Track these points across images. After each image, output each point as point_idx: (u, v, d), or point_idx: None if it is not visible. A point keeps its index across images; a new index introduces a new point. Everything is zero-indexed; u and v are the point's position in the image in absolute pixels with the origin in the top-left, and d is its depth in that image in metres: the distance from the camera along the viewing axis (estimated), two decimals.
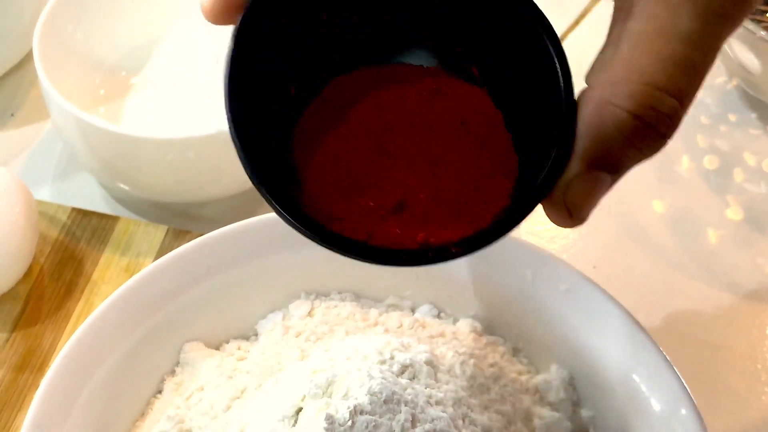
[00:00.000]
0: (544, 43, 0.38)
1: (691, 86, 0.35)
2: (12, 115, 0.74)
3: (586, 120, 0.35)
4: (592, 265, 0.67)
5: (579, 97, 0.36)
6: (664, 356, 0.49)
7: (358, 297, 0.56)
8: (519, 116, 0.38)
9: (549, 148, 0.36)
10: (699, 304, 0.65)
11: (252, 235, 0.55)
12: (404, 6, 0.39)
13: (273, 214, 0.55)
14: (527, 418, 0.51)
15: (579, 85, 0.37)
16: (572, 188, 0.35)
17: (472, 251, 0.37)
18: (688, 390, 0.48)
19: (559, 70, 0.37)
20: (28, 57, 0.74)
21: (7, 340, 0.60)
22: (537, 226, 0.68)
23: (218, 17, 0.36)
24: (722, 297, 0.66)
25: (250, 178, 0.36)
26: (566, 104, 0.36)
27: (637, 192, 0.71)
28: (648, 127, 0.34)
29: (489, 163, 0.38)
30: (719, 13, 0.34)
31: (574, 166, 0.35)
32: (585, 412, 0.53)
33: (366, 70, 0.39)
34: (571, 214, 0.36)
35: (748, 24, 0.65)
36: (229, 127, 0.36)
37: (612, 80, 0.34)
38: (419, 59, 0.39)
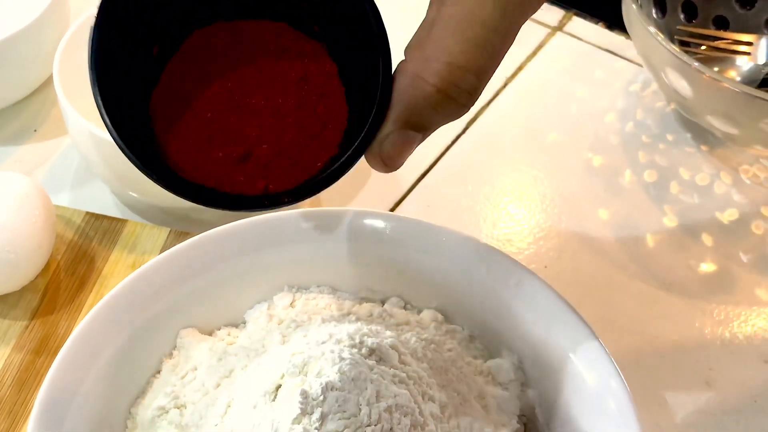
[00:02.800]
0: (369, 19, 0.39)
1: (490, 65, 0.37)
2: (35, 130, 0.75)
3: (401, 89, 0.37)
4: (543, 265, 0.67)
5: (398, 67, 0.38)
6: (598, 340, 0.50)
7: (334, 290, 0.57)
8: (351, 74, 0.39)
9: (370, 109, 0.38)
10: (637, 300, 0.66)
11: (242, 235, 0.55)
12: None
13: (261, 216, 0.56)
14: (480, 396, 0.52)
15: None
16: (387, 144, 0.39)
17: (302, 199, 0.40)
18: (618, 368, 0.49)
19: (379, 45, 0.39)
20: (49, 80, 0.74)
21: (26, 327, 0.61)
22: (495, 231, 0.69)
23: None
24: (658, 294, 0.67)
25: (109, 131, 0.37)
26: (384, 74, 0.38)
27: (586, 201, 0.72)
28: (450, 99, 0.37)
29: (323, 116, 0.39)
30: (518, 3, 0.36)
31: (389, 126, 0.38)
32: (531, 392, 0.53)
33: (222, 25, 0.38)
34: (386, 164, 0.39)
35: (682, 56, 0.66)
36: (93, 88, 0.36)
37: (424, 57, 0.37)
38: (270, 14, 0.39)
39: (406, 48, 0.38)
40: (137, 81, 0.38)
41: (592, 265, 0.68)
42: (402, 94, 0.38)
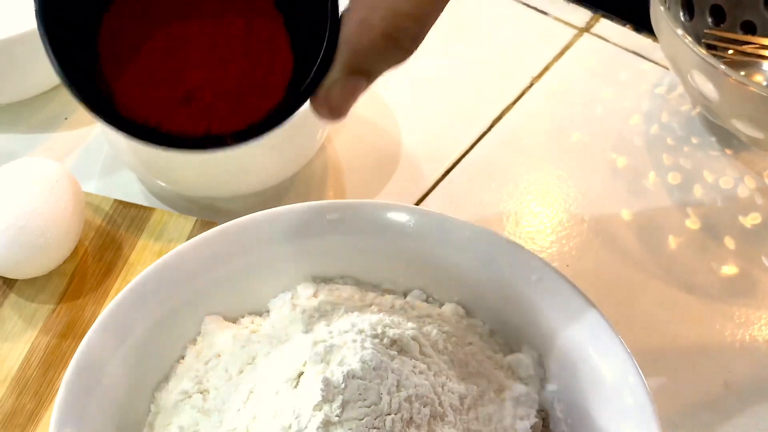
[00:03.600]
0: None
1: (433, 11, 0.38)
2: (66, 118, 0.76)
3: (347, 36, 0.38)
4: (565, 263, 0.68)
5: (343, 14, 0.39)
6: (618, 336, 0.51)
7: (357, 282, 0.58)
8: (296, 21, 0.39)
9: (316, 55, 0.38)
10: (658, 301, 0.67)
11: (268, 225, 0.56)
12: None
13: (287, 207, 0.57)
14: (500, 390, 0.53)
15: None
16: (333, 90, 0.39)
17: (244, 141, 0.40)
18: (636, 365, 0.50)
19: None
20: None
21: (53, 311, 0.62)
22: (518, 228, 0.70)
23: None
24: (679, 295, 0.67)
25: (56, 71, 0.37)
26: (331, 21, 0.39)
27: (609, 202, 0.72)
28: (395, 44, 0.38)
29: (268, 62, 0.39)
30: None
31: (336, 72, 0.39)
32: (550, 387, 0.54)
33: None
34: (332, 110, 0.40)
35: (709, 58, 0.66)
36: (39, 29, 0.37)
37: (369, 5, 0.38)
38: None
39: None
40: (85, 20, 0.38)
41: (613, 265, 0.68)
42: (348, 41, 0.38)
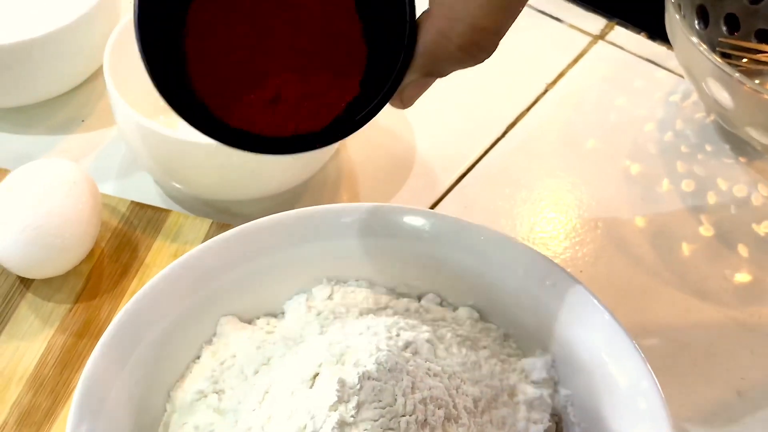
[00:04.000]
0: None
1: (508, 24, 0.39)
2: (83, 121, 0.76)
3: (426, 43, 0.40)
4: (579, 269, 0.68)
5: (422, 17, 0.40)
6: (632, 341, 0.51)
7: (372, 284, 0.58)
8: (369, 12, 0.40)
9: (394, 56, 0.40)
10: (671, 308, 0.67)
11: (284, 228, 0.57)
12: None
13: (303, 210, 0.57)
14: (512, 393, 0.53)
15: None
16: (408, 88, 0.41)
17: (333, 143, 0.42)
18: (650, 369, 0.50)
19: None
20: (97, 72, 0.76)
21: (70, 310, 0.62)
22: (531, 234, 0.70)
23: None
24: (692, 302, 0.67)
25: (146, 69, 0.37)
26: (410, 24, 0.40)
27: (623, 209, 0.72)
28: (470, 56, 0.40)
29: (344, 56, 0.40)
30: None
31: (412, 74, 0.41)
32: (563, 391, 0.54)
33: None
34: (404, 103, 0.42)
35: (724, 66, 0.66)
36: (137, 38, 0.37)
37: (450, 17, 0.39)
38: None
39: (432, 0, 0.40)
40: (173, 24, 0.38)
41: (627, 272, 0.69)
42: (426, 48, 0.40)
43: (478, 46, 0.39)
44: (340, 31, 0.39)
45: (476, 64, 0.41)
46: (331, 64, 0.40)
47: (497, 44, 0.40)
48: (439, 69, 0.41)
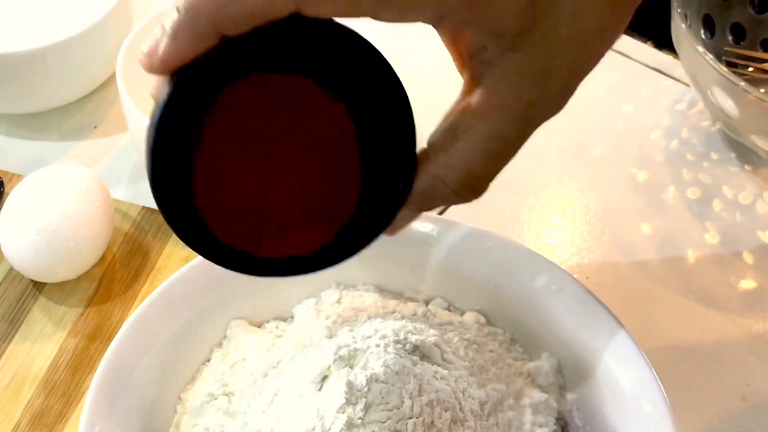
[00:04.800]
0: (397, 101, 0.39)
1: (501, 170, 0.41)
2: (95, 127, 0.77)
3: (423, 185, 0.40)
4: (585, 276, 0.69)
5: (420, 161, 0.41)
6: (637, 346, 0.52)
7: (380, 289, 0.59)
8: (371, 148, 0.40)
9: (390, 194, 0.41)
10: (676, 314, 0.67)
11: None
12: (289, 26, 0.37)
13: None
14: (519, 397, 0.53)
15: None
16: (399, 221, 0.42)
17: (321, 270, 0.42)
18: (655, 373, 0.50)
19: (406, 134, 0.40)
20: (111, 79, 0.77)
21: (82, 314, 0.63)
22: (538, 240, 0.71)
23: (157, 70, 0.35)
24: (697, 308, 0.67)
25: (152, 191, 0.38)
26: (408, 165, 0.40)
27: (629, 216, 0.73)
28: (463, 199, 0.41)
29: (340, 179, 0.40)
30: (536, 123, 0.39)
31: (406, 210, 0.41)
32: (570, 395, 0.55)
33: (251, 79, 0.37)
34: (392, 233, 0.43)
35: (730, 75, 0.67)
36: (148, 167, 0.37)
37: (448, 164, 0.40)
38: (298, 67, 0.38)
39: (430, 144, 0.41)
40: (186, 141, 0.38)
41: (633, 278, 0.69)
42: (423, 190, 0.41)
43: (472, 191, 0.41)
44: (338, 158, 0.40)
45: (465, 203, 0.42)
46: (327, 189, 0.40)
47: (488, 188, 0.42)
48: (431, 206, 0.42)
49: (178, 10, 0.34)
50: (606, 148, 0.77)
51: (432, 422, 0.48)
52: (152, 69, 0.35)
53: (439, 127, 0.41)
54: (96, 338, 0.62)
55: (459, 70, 0.40)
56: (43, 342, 0.62)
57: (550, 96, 0.39)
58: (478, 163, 0.40)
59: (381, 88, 0.39)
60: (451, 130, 0.40)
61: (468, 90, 0.39)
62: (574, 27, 0.37)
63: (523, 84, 0.38)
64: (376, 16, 0.36)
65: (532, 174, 0.75)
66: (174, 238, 0.67)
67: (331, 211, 0.41)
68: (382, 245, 0.57)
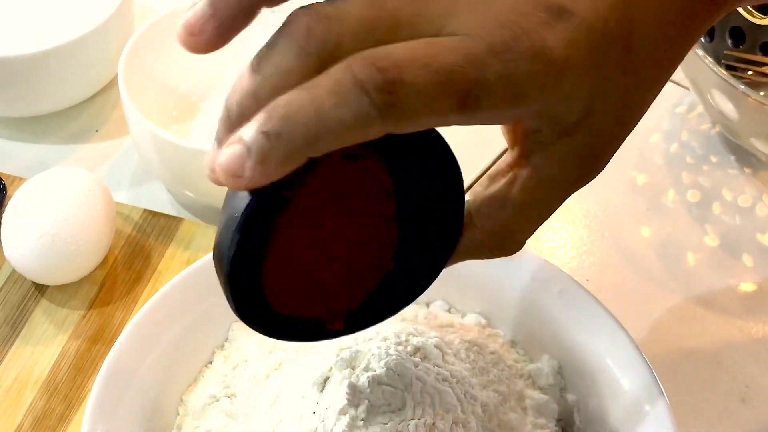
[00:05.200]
0: (449, 177, 0.40)
1: (535, 231, 0.42)
2: (97, 130, 0.77)
3: (466, 247, 0.42)
4: (585, 278, 0.69)
5: (466, 225, 0.42)
6: (637, 348, 0.52)
7: None
8: (413, 204, 0.40)
9: (437, 257, 0.42)
10: (676, 317, 0.67)
11: None
12: None
13: None
14: (520, 398, 0.54)
15: None
16: None
17: (357, 330, 0.43)
18: (656, 375, 0.51)
19: (456, 205, 0.41)
20: (112, 82, 0.77)
21: (84, 317, 0.63)
22: (538, 244, 0.71)
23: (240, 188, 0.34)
24: (697, 311, 0.68)
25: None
26: (455, 234, 0.42)
27: (629, 219, 0.73)
28: (496, 257, 0.43)
29: (381, 240, 0.41)
30: (575, 190, 0.41)
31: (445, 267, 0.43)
32: (570, 397, 0.55)
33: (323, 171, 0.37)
34: None
35: (729, 78, 0.67)
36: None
37: (493, 232, 0.41)
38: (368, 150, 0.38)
39: (475, 210, 0.42)
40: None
41: (633, 281, 0.69)
42: (466, 250, 0.42)
43: (509, 251, 0.43)
44: (380, 218, 0.40)
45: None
46: (368, 248, 0.41)
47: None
48: (463, 260, 0.44)
49: (267, 135, 0.32)
50: None
51: (434, 424, 0.48)
52: (235, 187, 0.34)
53: (483, 193, 0.42)
54: (98, 341, 0.62)
55: (509, 144, 0.41)
56: (45, 345, 0.62)
57: (595, 171, 0.40)
58: (521, 229, 0.42)
59: (427, 151, 0.39)
60: (497, 199, 0.41)
61: (516, 164, 0.40)
62: (622, 109, 0.40)
63: (573, 164, 0.39)
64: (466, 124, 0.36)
65: None
66: (176, 240, 0.67)
67: (371, 270, 0.42)
68: None
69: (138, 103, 0.66)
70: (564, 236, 0.72)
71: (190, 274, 0.55)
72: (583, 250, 0.71)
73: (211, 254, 0.56)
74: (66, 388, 0.60)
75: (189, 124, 0.74)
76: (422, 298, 0.58)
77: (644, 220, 0.73)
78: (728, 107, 0.69)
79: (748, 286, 0.69)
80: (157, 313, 0.54)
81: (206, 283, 0.55)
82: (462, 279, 0.58)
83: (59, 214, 0.61)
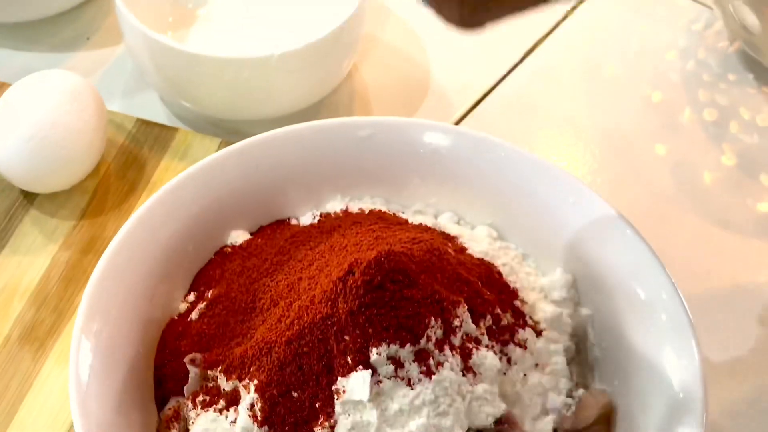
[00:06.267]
0: None
1: None
2: (88, 38, 0.74)
3: None
4: None
5: None
6: (654, 254, 0.50)
7: (388, 202, 0.56)
8: None
9: None
10: (692, 237, 0.65)
11: (298, 140, 0.55)
12: None
13: (318, 122, 0.56)
14: (533, 310, 0.51)
15: None
16: None
17: None
18: (672, 280, 0.49)
19: None
20: None
21: (74, 227, 0.61)
22: (553, 156, 0.69)
23: None
24: (713, 231, 0.66)
25: None
26: None
27: (643, 137, 0.71)
28: None
29: None
30: None
31: None
32: (584, 311, 0.53)
33: None
34: None
35: None
36: None
37: None
38: None
39: None
40: None
41: (647, 200, 0.67)
42: None
43: None
44: None
45: None
46: None
47: None
48: None
49: None
50: (620, 68, 0.75)
51: (446, 338, 0.46)
52: None
53: None
54: (89, 251, 0.60)
55: None
56: (34, 255, 0.60)
57: None
58: None
59: None
60: None
61: None
62: None
63: None
64: None
65: (543, 94, 0.73)
66: (170, 151, 0.65)
67: None
68: (390, 153, 0.56)
69: (132, 6, 0.63)
70: (575, 154, 0.69)
71: (184, 178, 0.53)
72: (595, 168, 0.69)
73: (206, 161, 0.54)
74: (56, 299, 0.58)
75: (184, 32, 0.71)
76: (430, 209, 0.56)
77: (659, 138, 0.71)
78: (751, 19, 0.66)
79: (765, 206, 0.67)
80: (156, 212, 0.52)
81: (204, 186, 0.53)
82: (472, 189, 0.56)
83: (49, 117, 0.58)
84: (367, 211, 0.55)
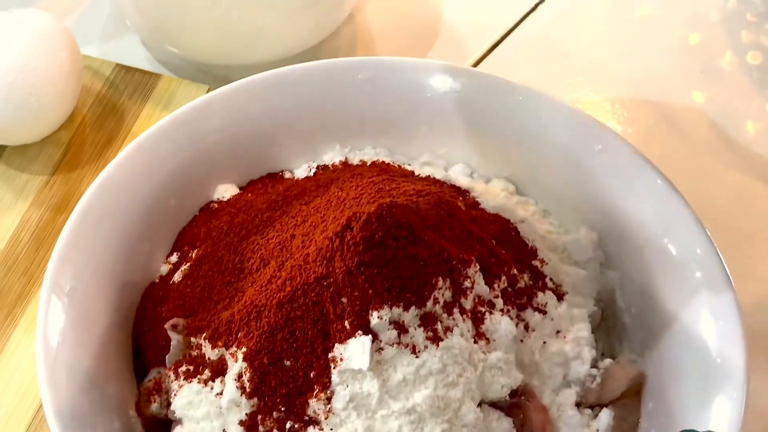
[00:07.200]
0: None
1: None
2: None
3: None
4: None
5: None
6: (690, 209, 0.49)
7: (392, 153, 0.56)
8: None
9: None
10: (733, 193, 0.65)
11: (292, 83, 0.54)
12: None
13: (314, 63, 0.55)
14: (554, 272, 0.51)
15: None
16: None
17: None
18: (710, 236, 0.48)
19: None
20: None
21: (47, 183, 0.60)
22: (578, 105, 0.67)
23: None
24: (756, 186, 0.65)
25: None
26: None
27: (679, 83, 0.70)
28: None
29: None
30: None
31: None
32: (611, 273, 0.52)
33: None
34: None
35: None
36: None
37: None
38: None
39: None
40: None
41: (683, 152, 0.66)
42: None
43: None
44: None
45: None
46: None
47: None
48: None
49: None
50: (654, 7, 0.74)
51: (455, 301, 0.45)
52: None
53: None
54: (63, 209, 0.59)
55: None
56: (1, 213, 0.59)
57: None
58: None
59: None
60: None
61: None
62: None
63: None
64: None
65: (568, 36, 0.72)
66: (153, 99, 0.64)
67: None
68: (394, 98, 0.55)
69: None
70: (603, 101, 0.68)
71: (173, 119, 0.53)
72: (626, 118, 0.68)
73: (189, 106, 0.53)
74: (26, 261, 0.57)
75: None
76: (440, 161, 0.55)
77: (697, 84, 0.70)
78: None
79: None
80: (130, 168, 0.51)
81: (189, 132, 0.53)
82: (487, 138, 0.55)
83: (16, 59, 0.57)
84: (368, 163, 0.55)
